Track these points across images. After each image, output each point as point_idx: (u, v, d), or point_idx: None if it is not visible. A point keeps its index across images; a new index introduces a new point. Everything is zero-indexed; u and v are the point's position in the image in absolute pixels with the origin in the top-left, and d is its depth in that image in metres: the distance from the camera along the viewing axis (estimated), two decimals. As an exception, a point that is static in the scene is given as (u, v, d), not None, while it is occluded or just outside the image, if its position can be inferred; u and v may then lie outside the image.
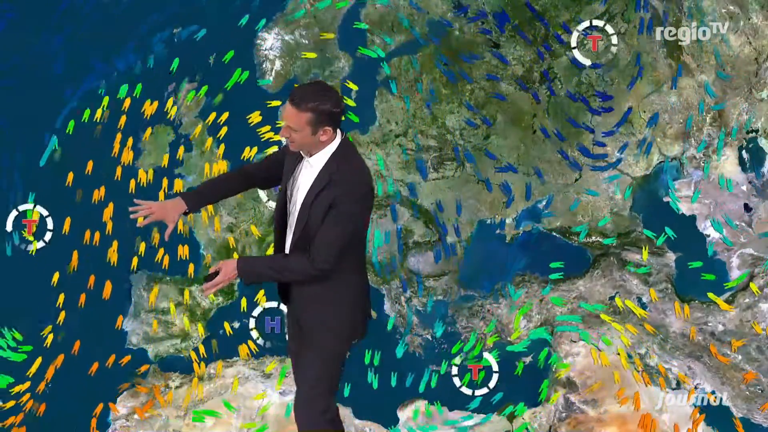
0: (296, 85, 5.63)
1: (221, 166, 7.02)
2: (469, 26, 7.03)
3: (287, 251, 5.14)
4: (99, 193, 7.00)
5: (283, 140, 5.25)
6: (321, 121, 4.94)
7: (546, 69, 6.99)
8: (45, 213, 7.00)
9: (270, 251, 6.98)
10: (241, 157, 7.01)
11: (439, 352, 7.01)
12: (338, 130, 5.04)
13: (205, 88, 7.03)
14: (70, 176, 7.00)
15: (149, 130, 7.03)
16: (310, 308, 5.17)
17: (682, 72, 6.97)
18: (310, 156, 5.05)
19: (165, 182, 7.04)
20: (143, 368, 7.01)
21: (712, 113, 6.97)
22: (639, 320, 6.97)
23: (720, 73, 6.93)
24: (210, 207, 6.97)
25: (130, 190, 7.01)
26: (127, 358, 7.01)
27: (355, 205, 5.00)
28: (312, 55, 7.01)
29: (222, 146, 7.02)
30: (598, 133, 6.99)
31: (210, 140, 7.00)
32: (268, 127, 7.02)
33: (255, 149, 7.01)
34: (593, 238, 7.03)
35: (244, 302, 7.04)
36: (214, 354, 7.03)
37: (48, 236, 7.02)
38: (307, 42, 7.07)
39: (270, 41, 7.07)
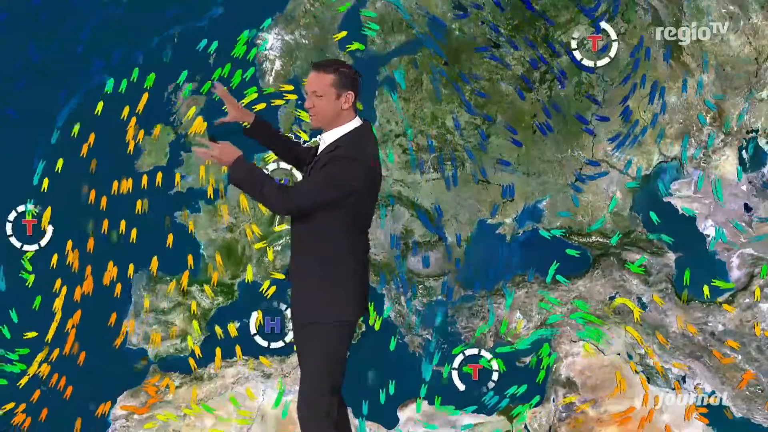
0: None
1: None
2: (469, 26, 7.02)
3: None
4: (99, 195, 7.01)
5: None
6: (344, 84, 5.08)
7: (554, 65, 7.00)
8: (44, 213, 7.00)
9: (269, 253, 7.01)
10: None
11: (440, 352, 7.01)
12: (357, 116, 5.12)
13: (207, 85, 7.03)
14: (83, 152, 6.99)
15: (149, 136, 7.04)
16: (304, 292, 5.11)
17: (665, 91, 7.00)
18: (328, 131, 5.08)
19: (159, 177, 7.06)
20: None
21: (712, 113, 6.97)
22: (636, 321, 6.98)
23: (706, 57, 6.93)
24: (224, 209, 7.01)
25: (123, 190, 7.02)
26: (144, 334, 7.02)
27: (350, 170, 5.00)
28: (360, 46, 7.01)
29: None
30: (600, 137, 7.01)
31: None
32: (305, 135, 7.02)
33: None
34: (593, 238, 7.03)
35: (249, 271, 7.00)
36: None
37: (47, 237, 7.01)
38: (307, 42, 7.07)
39: (270, 41, 7.06)
